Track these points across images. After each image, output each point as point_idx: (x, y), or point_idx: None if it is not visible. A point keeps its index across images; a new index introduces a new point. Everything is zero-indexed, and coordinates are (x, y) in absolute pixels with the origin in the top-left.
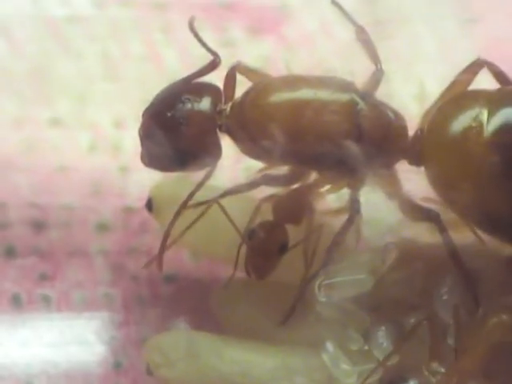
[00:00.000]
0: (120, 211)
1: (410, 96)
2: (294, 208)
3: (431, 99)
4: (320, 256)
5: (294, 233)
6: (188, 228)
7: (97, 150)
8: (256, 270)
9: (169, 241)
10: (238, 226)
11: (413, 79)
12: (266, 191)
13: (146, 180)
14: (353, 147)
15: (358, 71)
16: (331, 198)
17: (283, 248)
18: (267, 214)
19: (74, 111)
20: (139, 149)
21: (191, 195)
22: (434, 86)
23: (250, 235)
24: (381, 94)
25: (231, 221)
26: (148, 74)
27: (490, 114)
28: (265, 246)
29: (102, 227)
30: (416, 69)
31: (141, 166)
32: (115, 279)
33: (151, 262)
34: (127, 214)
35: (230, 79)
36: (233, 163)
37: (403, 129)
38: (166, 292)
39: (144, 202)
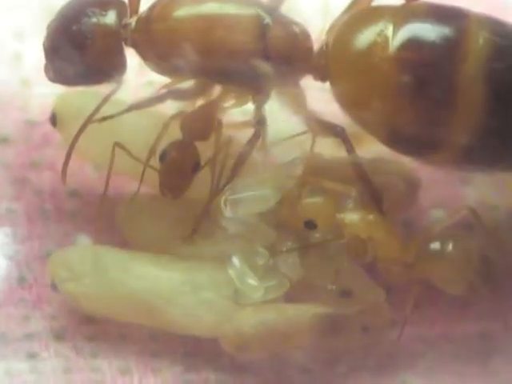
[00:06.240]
0: (22, 124)
1: (314, 10)
2: (201, 124)
3: (335, 13)
4: (227, 171)
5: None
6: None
7: None
8: (171, 190)
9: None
10: (145, 142)
11: None
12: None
13: (48, 94)
14: (258, 62)
15: None
16: (237, 114)
17: (196, 166)
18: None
19: None
20: (42, 62)
21: (97, 110)
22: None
23: (161, 156)
24: (285, 8)
25: (131, 155)
26: None
27: (395, 30)
28: (178, 165)
29: (3, 140)
30: None
31: (44, 79)
32: (18, 193)
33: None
34: (29, 127)
35: None
36: (136, 78)
37: (308, 43)
38: (69, 206)
39: (46, 116)
